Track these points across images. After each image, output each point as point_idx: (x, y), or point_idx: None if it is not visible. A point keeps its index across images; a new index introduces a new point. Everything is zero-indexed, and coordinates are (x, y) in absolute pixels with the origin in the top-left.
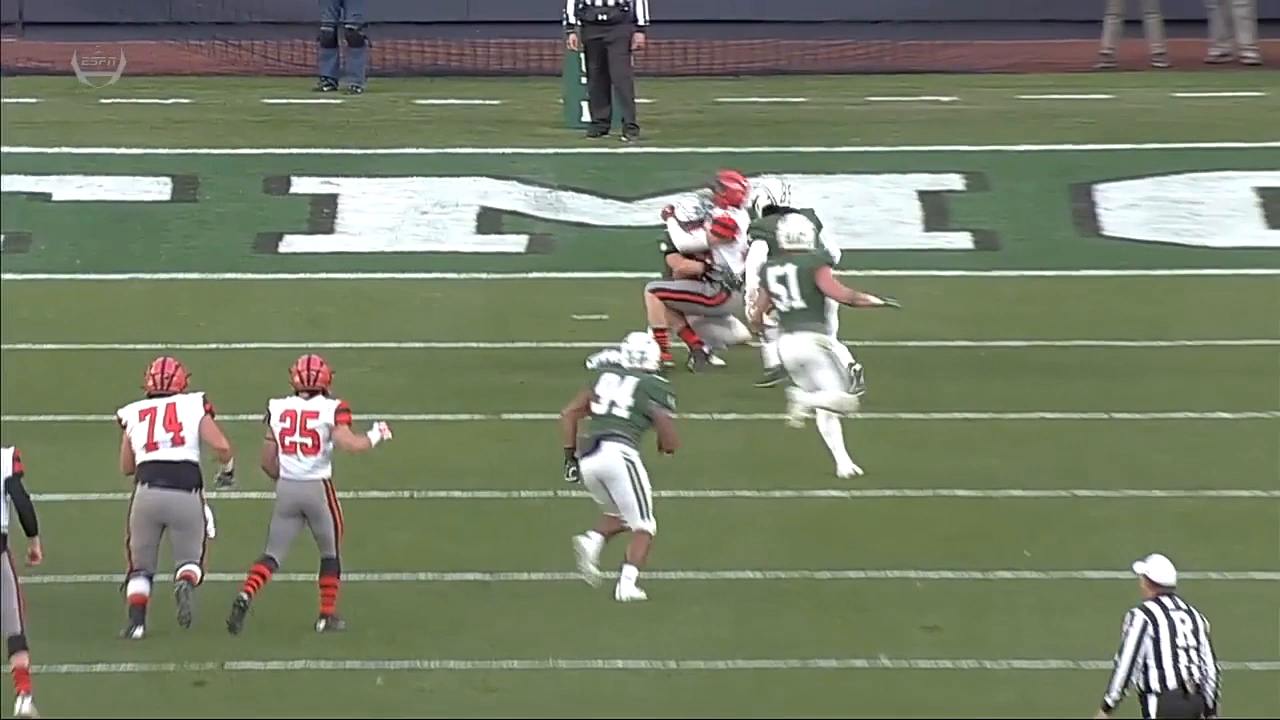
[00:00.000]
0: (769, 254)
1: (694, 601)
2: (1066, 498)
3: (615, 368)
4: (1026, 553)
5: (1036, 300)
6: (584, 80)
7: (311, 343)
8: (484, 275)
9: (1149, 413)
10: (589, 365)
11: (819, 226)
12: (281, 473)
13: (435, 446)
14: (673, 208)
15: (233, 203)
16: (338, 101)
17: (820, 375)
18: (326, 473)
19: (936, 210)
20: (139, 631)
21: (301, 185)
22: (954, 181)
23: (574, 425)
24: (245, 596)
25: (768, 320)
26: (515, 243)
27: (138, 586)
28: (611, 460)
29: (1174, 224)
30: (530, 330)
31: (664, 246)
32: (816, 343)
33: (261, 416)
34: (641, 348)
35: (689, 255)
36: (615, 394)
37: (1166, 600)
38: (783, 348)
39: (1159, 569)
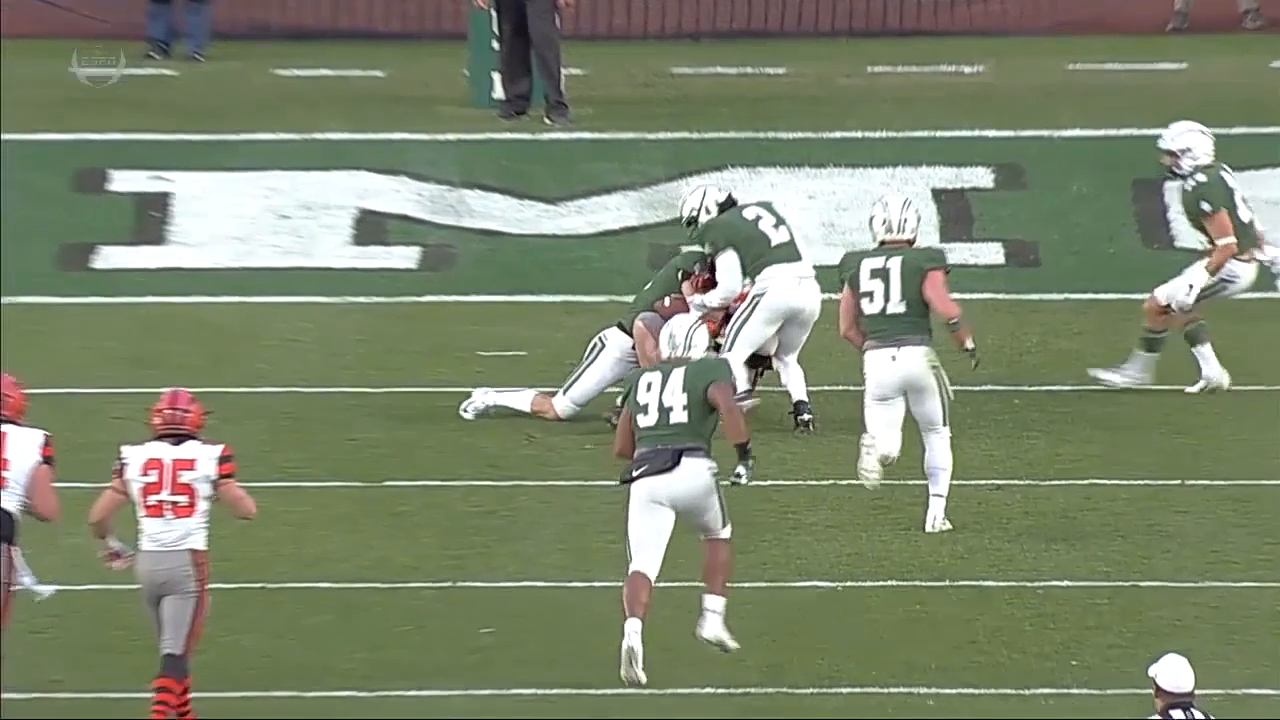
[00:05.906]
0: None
1: None
2: (1126, 589)
3: (655, 366)
4: (1074, 662)
5: (1088, 332)
6: (496, 46)
7: (138, 387)
8: (363, 299)
9: (1233, 479)
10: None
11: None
12: (144, 542)
13: (298, 523)
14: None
15: (33, 205)
16: (172, 73)
17: (926, 407)
18: (200, 541)
19: (958, 214)
20: None
21: (123, 182)
22: (981, 177)
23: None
24: None
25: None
26: (404, 256)
27: None
28: (698, 481)
29: (1268, 232)
30: (423, 370)
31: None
32: (928, 360)
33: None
34: (686, 330)
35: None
36: (663, 396)
37: (1179, 714)
38: (881, 365)
39: (1170, 673)
